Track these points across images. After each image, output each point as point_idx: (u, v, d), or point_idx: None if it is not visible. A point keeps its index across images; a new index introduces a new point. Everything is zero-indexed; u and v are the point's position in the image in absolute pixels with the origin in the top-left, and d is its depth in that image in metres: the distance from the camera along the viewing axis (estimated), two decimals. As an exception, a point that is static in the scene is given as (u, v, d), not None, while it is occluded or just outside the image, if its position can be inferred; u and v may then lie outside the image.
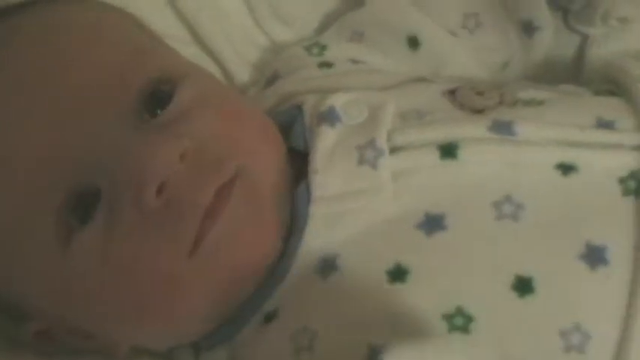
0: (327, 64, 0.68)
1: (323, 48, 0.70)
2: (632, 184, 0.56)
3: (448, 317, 0.53)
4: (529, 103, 0.61)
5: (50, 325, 0.60)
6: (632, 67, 0.62)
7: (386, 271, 0.55)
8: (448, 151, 0.57)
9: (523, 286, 0.54)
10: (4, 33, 0.60)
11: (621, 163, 0.57)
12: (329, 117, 0.59)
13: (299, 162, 0.59)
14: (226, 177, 0.55)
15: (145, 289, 0.55)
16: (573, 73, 0.72)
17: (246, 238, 0.56)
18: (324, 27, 0.75)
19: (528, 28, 0.70)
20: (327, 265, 0.56)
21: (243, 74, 0.74)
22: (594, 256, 0.54)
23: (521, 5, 0.70)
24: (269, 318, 0.57)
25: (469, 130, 0.58)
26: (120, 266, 0.55)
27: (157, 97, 0.57)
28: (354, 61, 0.69)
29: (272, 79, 0.69)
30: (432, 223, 0.56)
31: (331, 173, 0.58)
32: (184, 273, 0.55)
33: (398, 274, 0.55)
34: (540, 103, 0.61)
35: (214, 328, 0.59)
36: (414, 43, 0.69)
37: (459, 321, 0.53)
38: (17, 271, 0.57)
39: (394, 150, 0.58)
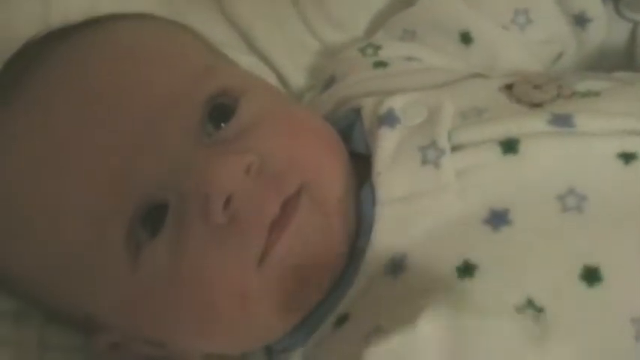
0: (382, 64, 0.69)
1: (377, 48, 0.71)
2: None
3: (519, 309, 0.54)
4: (586, 94, 0.61)
5: (122, 336, 0.61)
6: None
7: (456, 267, 0.56)
8: (509, 146, 0.58)
9: (591, 275, 0.54)
10: (77, 49, 0.61)
11: None
12: (388, 119, 0.60)
13: (361, 165, 0.60)
14: (291, 190, 0.56)
15: (214, 302, 0.56)
16: (627, 60, 0.72)
17: (315, 249, 0.57)
18: (374, 29, 0.76)
19: (581, 20, 0.70)
20: (396, 266, 0.57)
21: (297, 79, 0.75)
22: None
23: None
24: (341, 321, 0.58)
25: (529, 124, 0.58)
26: (188, 279, 0.56)
27: (220, 111, 0.58)
28: (409, 59, 0.69)
29: (329, 83, 0.70)
30: (498, 219, 0.56)
31: (395, 174, 0.58)
32: (253, 285, 0.56)
33: (467, 269, 0.55)
34: (597, 94, 0.61)
35: (287, 332, 0.60)
36: (466, 38, 0.70)
37: (531, 312, 0.53)
38: (89, 284, 0.59)
39: (456, 148, 0.58)
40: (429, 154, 0.58)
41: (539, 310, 0.54)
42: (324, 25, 0.76)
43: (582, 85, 0.62)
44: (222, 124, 0.58)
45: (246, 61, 0.70)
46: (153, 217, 0.56)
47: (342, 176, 0.59)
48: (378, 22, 0.76)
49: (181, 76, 0.59)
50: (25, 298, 0.65)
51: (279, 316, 0.58)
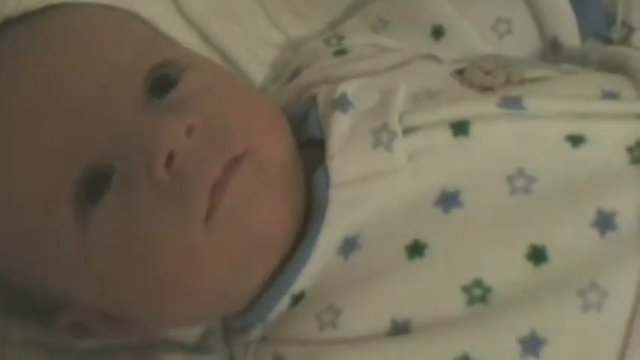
0: (342, 52, 0.70)
1: (341, 38, 0.72)
2: (638, 152, 0.58)
3: (467, 289, 0.55)
4: (535, 80, 0.63)
5: (83, 314, 0.61)
6: (624, 50, 0.65)
7: (404, 246, 0.57)
8: (460, 128, 0.59)
9: (537, 255, 0.56)
10: (31, 32, 0.62)
11: (628, 132, 0.59)
12: (341, 103, 0.61)
13: (317, 151, 0.61)
14: (234, 153, 0.57)
15: (164, 262, 0.57)
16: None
17: (259, 207, 0.58)
18: (340, 20, 0.76)
19: (555, 44, 0.71)
20: (349, 245, 0.58)
21: (259, 74, 0.76)
22: (604, 223, 0.56)
23: (550, 22, 0.71)
24: (296, 300, 0.59)
25: (479, 107, 0.60)
26: (137, 241, 0.56)
27: (164, 82, 0.59)
28: (372, 46, 0.70)
29: (294, 75, 0.71)
30: (449, 200, 0.58)
31: (348, 157, 0.59)
32: (201, 243, 0.56)
33: (416, 249, 0.57)
34: (546, 79, 0.63)
35: (243, 309, 0.61)
36: (438, 32, 0.71)
37: (478, 292, 0.55)
38: (44, 256, 0.59)
39: (408, 131, 0.59)
40: (381, 136, 0.59)
41: (487, 289, 0.55)
42: (289, 17, 0.77)
43: (531, 73, 0.64)
44: (165, 94, 0.59)
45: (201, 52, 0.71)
46: (100, 183, 0.57)
47: (284, 144, 0.61)
48: (345, 13, 0.77)
49: (126, 51, 0.60)
50: None
51: (232, 278, 0.59)
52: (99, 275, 0.58)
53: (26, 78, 0.60)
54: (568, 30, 0.71)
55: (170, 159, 0.55)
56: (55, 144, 0.57)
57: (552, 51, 0.71)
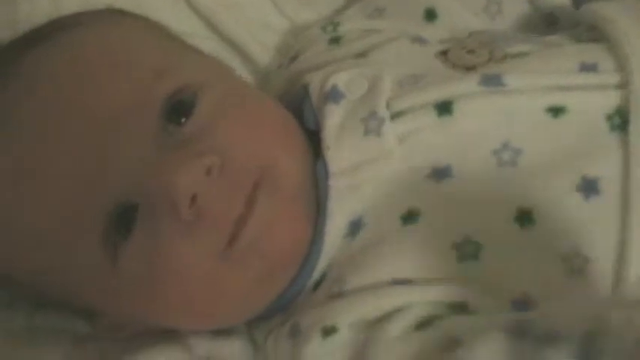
0: (336, 40, 0.72)
1: (337, 24, 0.74)
2: (617, 119, 0.61)
3: (458, 246, 0.59)
4: (516, 56, 0.65)
5: (114, 319, 0.66)
6: (608, 12, 0.66)
7: (400, 216, 0.60)
8: (444, 108, 0.62)
9: (524, 217, 0.59)
10: (43, 60, 0.64)
11: (607, 101, 0.61)
12: (333, 95, 0.65)
13: (314, 140, 0.65)
14: (250, 186, 0.60)
15: (189, 288, 0.60)
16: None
17: (278, 232, 0.61)
18: (343, 8, 0.79)
19: (550, 20, 0.74)
20: (355, 227, 0.62)
21: (265, 59, 0.78)
22: (588, 188, 0.59)
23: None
24: (317, 285, 0.63)
25: (461, 87, 0.63)
26: (163, 270, 0.60)
27: (179, 108, 0.61)
28: (367, 32, 0.73)
29: (292, 60, 0.74)
30: (440, 173, 0.61)
31: (342, 147, 0.63)
32: (222, 270, 0.60)
33: (410, 216, 0.60)
34: (527, 54, 0.65)
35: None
36: (431, 14, 0.74)
37: (469, 248, 0.58)
38: (74, 282, 0.63)
39: (396, 116, 0.63)
40: (371, 123, 0.63)
41: (478, 246, 0.59)
42: (295, 4, 0.80)
43: (514, 48, 0.66)
44: (183, 119, 0.61)
45: (209, 46, 0.74)
46: (125, 218, 0.60)
47: (299, 162, 0.64)
48: (348, 1, 0.80)
49: (140, 79, 0.62)
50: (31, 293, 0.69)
51: (257, 290, 0.62)
52: (129, 298, 0.62)
53: (45, 107, 0.62)
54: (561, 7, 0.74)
55: (193, 200, 0.58)
56: (81, 178, 0.60)
57: (548, 25, 0.74)
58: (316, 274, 0.63)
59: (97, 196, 0.60)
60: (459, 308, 0.57)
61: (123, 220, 0.60)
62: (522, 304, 0.57)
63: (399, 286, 0.59)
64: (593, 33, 0.67)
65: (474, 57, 0.65)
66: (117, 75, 0.62)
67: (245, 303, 0.63)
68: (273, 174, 0.61)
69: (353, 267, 0.61)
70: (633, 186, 0.58)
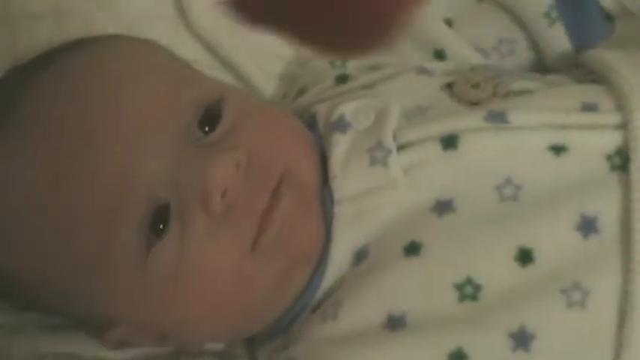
0: (343, 78, 0.73)
1: (345, 60, 0.75)
2: (617, 159, 0.62)
3: (459, 286, 0.60)
4: (520, 93, 0.67)
5: (128, 332, 0.65)
6: (608, 58, 0.68)
7: (402, 247, 0.61)
8: (449, 142, 0.63)
9: (524, 256, 0.60)
10: (61, 71, 0.66)
11: (607, 141, 0.62)
12: (340, 125, 0.66)
13: (321, 168, 0.66)
14: (275, 182, 0.62)
15: (217, 286, 0.62)
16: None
17: (300, 228, 0.63)
18: None
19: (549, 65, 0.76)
20: (360, 255, 0.63)
21: (268, 88, 0.79)
22: (587, 226, 0.60)
23: (547, 51, 0.76)
24: (314, 310, 0.64)
25: (467, 121, 0.64)
26: (194, 269, 0.61)
27: (208, 118, 0.64)
28: (374, 68, 0.74)
29: (300, 93, 0.75)
30: (443, 207, 0.62)
31: (348, 176, 0.64)
32: (250, 266, 0.61)
33: (412, 248, 0.61)
34: (530, 92, 0.67)
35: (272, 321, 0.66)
36: (440, 55, 0.76)
37: (469, 290, 0.59)
38: (101, 285, 0.63)
39: (402, 147, 0.64)
40: (377, 154, 0.64)
41: (478, 287, 0.59)
42: None
43: (517, 85, 0.68)
44: (207, 128, 0.63)
45: (212, 74, 0.74)
46: (158, 217, 0.61)
47: (315, 166, 0.65)
48: None
49: (166, 86, 0.64)
50: (36, 307, 0.70)
51: (274, 292, 0.63)
52: (155, 299, 0.63)
53: (79, 112, 0.63)
54: (563, 53, 0.75)
55: (224, 193, 0.60)
56: (115, 178, 0.61)
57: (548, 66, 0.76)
58: (319, 294, 0.64)
59: (132, 194, 0.61)
60: (455, 358, 0.59)
61: (157, 218, 0.61)
62: (521, 336, 0.58)
63: (392, 334, 0.60)
64: (593, 76, 0.69)
65: (479, 92, 0.67)
66: (144, 82, 0.65)
67: (265, 304, 0.64)
68: (295, 174, 0.63)
69: (352, 291, 0.62)
70: (634, 225, 0.59)
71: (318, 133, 0.67)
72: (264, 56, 0.80)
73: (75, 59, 0.67)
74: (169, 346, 0.68)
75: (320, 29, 0.43)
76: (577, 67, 0.72)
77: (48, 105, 0.65)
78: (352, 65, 0.74)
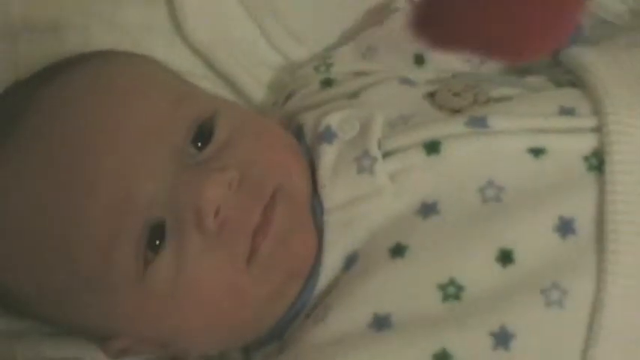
0: (328, 83, 0.76)
1: (329, 65, 0.78)
2: (594, 160, 0.64)
3: (442, 287, 0.62)
4: (500, 100, 0.69)
5: (129, 342, 0.68)
6: (585, 58, 0.70)
7: (388, 249, 0.64)
8: (432, 148, 0.65)
9: (505, 257, 0.62)
10: (65, 90, 0.68)
11: (584, 143, 0.65)
12: (326, 136, 0.68)
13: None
14: (267, 197, 0.64)
15: (212, 300, 0.64)
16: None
17: (293, 243, 0.65)
18: (337, 45, 0.82)
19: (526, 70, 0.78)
20: (350, 260, 0.66)
21: (259, 95, 0.82)
22: (564, 227, 0.62)
23: None
24: (307, 315, 0.67)
25: (448, 127, 0.66)
26: (190, 284, 0.64)
27: (202, 134, 0.66)
28: (358, 74, 0.76)
29: (287, 99, 0.77)
30: (427, 209, 0.65)
31: (336, 185, 0.66)
32: (245, 281, 0.64)
33: (398, 250, 0.64)
34: (509, 98, 0.69)
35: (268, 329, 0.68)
36: (419, 60, 0.78)
37: (452, 290, 0.62)
38: (100, 301, 0.66)
39: (387, 155, 0.66)
40: (364, 162, 0.66)
41: (460, 288, 0.62)
42: (287, 40, 0.83)
43: (497, 92, 0.70)
44: (199, 144, 0.66)
45: (205, 85, 0.77)
46: (154, 235, 0.64)
47: (306, 176, 0.68)
48: (341, 37, 0.83)
49: (160, 106, 0.67)
50: (37, 318, 0.72)
51: (268, 305, 0.66)
52: (153, 314, 0.65)
53: (74, 135, 0.66)
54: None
55: (217, 212, 0.63)
56: (114, 198, 0.63)
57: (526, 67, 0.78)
58: (311, 302, 0.66)
59: (128, 213, 0.63)
60: (439, 358, 0.61)
61: (154, 234, 0.63)
62: (501, 336, 0.61)
63: (378, 335, 0.62)
64: (571, 76, 0.71)
65: (460, 99, 0.69)
66: (146, 98, 0.67)
67: (260, 316, 0.67)
68: (287, 187, 0.65)
69: (341, 295, 0.64)
70: (608, 225, 0.62)
71: (305, 143, 0.70)
72: (254, 63, 0.82)
73: (78, 75, 0.69)
74: (168, 354, 0.71)
75: (502, 35, 0.46)
76: (556, 66, 0.74)
77: (50, 121, 0.67)
78: (336, 70, 0.77)
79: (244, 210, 0.64)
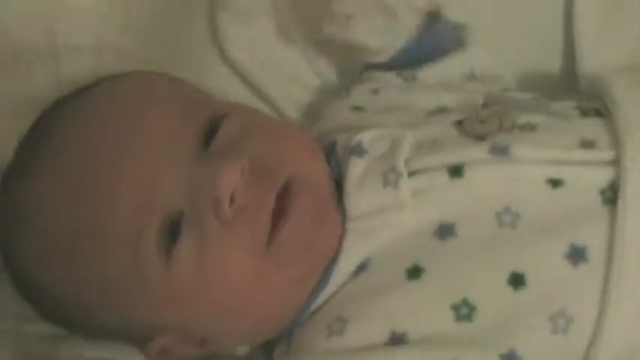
0: (358, 108, 0.79)
1: (348, 90, 0.81)
2: (609, 193, 0.67)
3: (456, 307, 0.65)
4: (524, 127, 0.72)
5: (169, 341, 0.71)
6: (617, 87, 0.72)
7: (405, 269, 0.67)
8: (456, 171, 0.69)
9: (517, 280, 0.65)
10: (89, 105, 0.73)
11: (601, 176, 0.68)
12: (357, 150, 0.71)
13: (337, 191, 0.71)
14: (279, 184, 0.67)
15: (237, 284, 0.67)
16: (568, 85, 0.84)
17: (318, 234, 0.68)
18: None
19: None
20: (361, 268, 0.69)
21: (294, 115, 0.85)
22: (576, 255, 0.65)
23: None
24: (312, 315, 0.70)
25: (473, 153, 0.69)
26: (212, 268, 0.66)
27: (213, 131, 0.69)
28: (375, 91, 0.80)
29: (317, 121, 0.81)
30: (445, 231, 0.68)
31: (362, 195, 0.69)
32: (266, 268, 0.67)
33: (415, 271, 0.67)
34: (533, 127, 0.71)
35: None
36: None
37: (465, 310, 0.65)
38: (133, 296, 0.69)
39: (412, 173, 0.69)
40: (390, 177, 0.69)
41: (473, 308, 0.65)
42: (327, 64, 0.86)
43: (522, 119, 0.73)
44: (211, 141, 0.69)
45: (243, 94, 0.82)
46: (175, 226, 0.67)
47: (324, 171, 0.71)
48: None
49: (180, 109, 0.70)
50: (75, 326, 0.75)
51: (293, 290, 0.69)
52: (183, 301, 0.68)
53: (100, 135, 0.70)
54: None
55: (232, 199, 0.66)
56: (135, 196, 0.67)
57: None
58: (320, 300, 0.69)
59: (152, 208, 0.67)
60: None
61: (173, 226, 0.67)
62: (510, 359, 0.64)
63: (397, 348, 0.65)
64: (597, 103, 0.73)
65: (485, 126, 0.71)
66: (162, 105, 0.71)
67: (285, 302, 0.70)
68: (304, 175, 0.69)
69: (357, 310, 0.67)
70: (616, 257, 0.65)
71: (335, 158, 0.73)
72: (294, 86, 0.85)
73: (99, 96, 0.74)
74: (207, 353, 0.73)
75: None
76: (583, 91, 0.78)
77: (75, 131, 0.71)
78: (356, 94, 0.80)
79: (257, 196, 0.66)
